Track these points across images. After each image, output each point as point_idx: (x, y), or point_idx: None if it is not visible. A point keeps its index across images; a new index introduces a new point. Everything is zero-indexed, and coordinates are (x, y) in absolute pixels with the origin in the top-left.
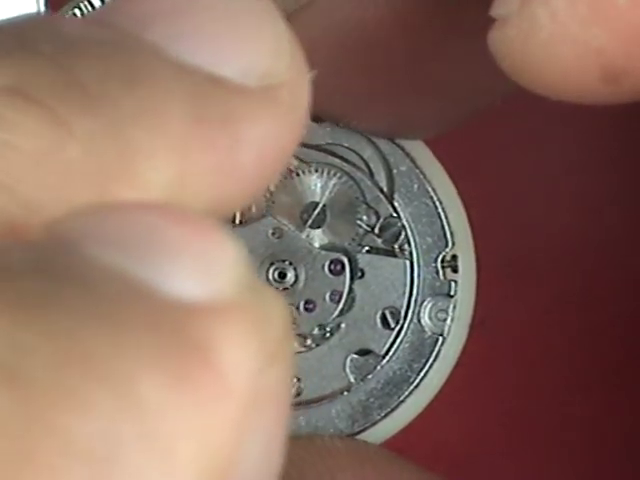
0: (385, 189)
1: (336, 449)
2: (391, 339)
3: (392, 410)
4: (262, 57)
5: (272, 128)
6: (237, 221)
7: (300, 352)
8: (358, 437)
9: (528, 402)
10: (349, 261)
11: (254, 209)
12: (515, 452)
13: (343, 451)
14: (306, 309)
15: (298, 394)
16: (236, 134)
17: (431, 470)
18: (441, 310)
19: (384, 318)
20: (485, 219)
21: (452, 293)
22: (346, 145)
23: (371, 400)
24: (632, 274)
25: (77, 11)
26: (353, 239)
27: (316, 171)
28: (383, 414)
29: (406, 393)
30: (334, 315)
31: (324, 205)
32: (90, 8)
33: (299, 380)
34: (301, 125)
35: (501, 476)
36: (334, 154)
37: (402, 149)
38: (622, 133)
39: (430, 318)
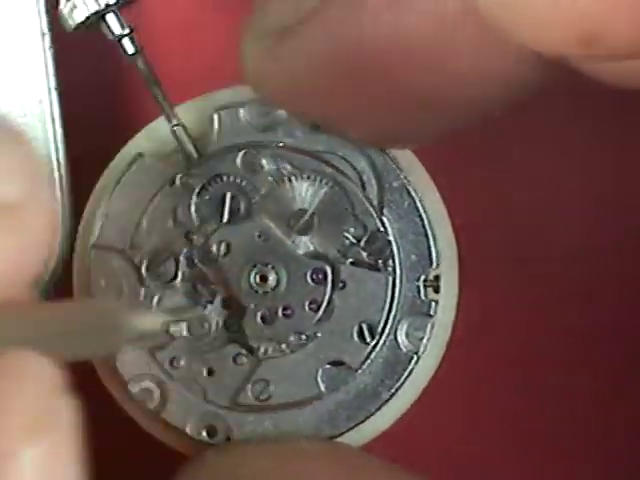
0: (375, 202)
1: (311, 452)
2: (366, 353)
3: (359, 423)
4: None
5: None
6: (225, 219)
7: (274, 357)
8: None
9: (527, 402)
10: (332, 271)
11: (242, 209)
12: (514, 452)
13: (316, 454)
14: (284, 315)
15: (268, 398)
16: None
17: None
18: (418, 329)
19: (361, 331)
20: (487, 220)
21: (432, 313)
22: (340, 154)
23: (339, 411)
24: (632, 274)
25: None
26: (338, 250)
27: (308, 178)
28: (350, 426)
29: (375, 408)
30: (311, 323)
31: (313, 213)
32: None
33: (269, 384)
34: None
35: None
36: (327, 163)
37: (396, 164)
38: (612, 137)
39: (407, 336)
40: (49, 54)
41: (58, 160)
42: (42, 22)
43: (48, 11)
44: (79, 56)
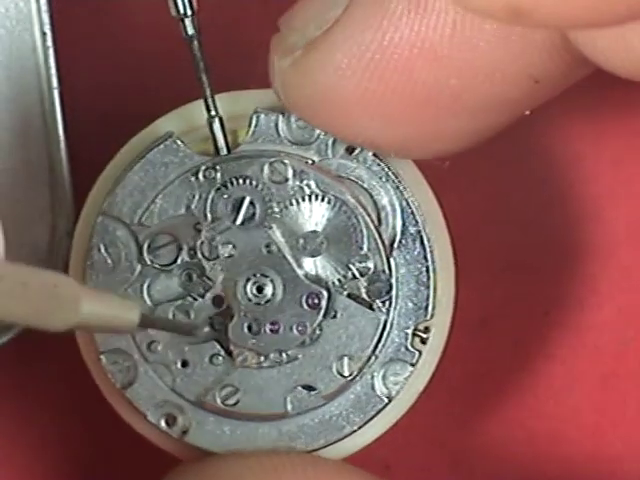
0: (387, 242)
1: (290, 465)
2: (339, 385)
3: (314, 450)
4: None
5: None
6: (238, 222)
7: (250, 367)
8: None
9: (528, 402)
10: (327, 299)
11: (257, 216)
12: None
13: (294, 467)
14: (271, 330)
15: (234, 404)
16: None
17: None
18: (397, 375)
19: (341, 364)
20: (486, 220)
21: (413, 362)
22: (365, 186)
23: (299, 434)
24: (631, 274)
25: None
26: (339, 279)
27: (328, 202)
28: (306, 451)
29: (334, 439)
30: (295, 345)
31: (325, 238)
32: None
33: (238, 391)
34: None
35: None
36: (351, 192)
37: (417, 210)
38: (612, 139)
39: (384, 379)
40: (49, 54)
41: (58, 160)
42: (42, 22)
43: (48, 11)
44: (79, 56)
